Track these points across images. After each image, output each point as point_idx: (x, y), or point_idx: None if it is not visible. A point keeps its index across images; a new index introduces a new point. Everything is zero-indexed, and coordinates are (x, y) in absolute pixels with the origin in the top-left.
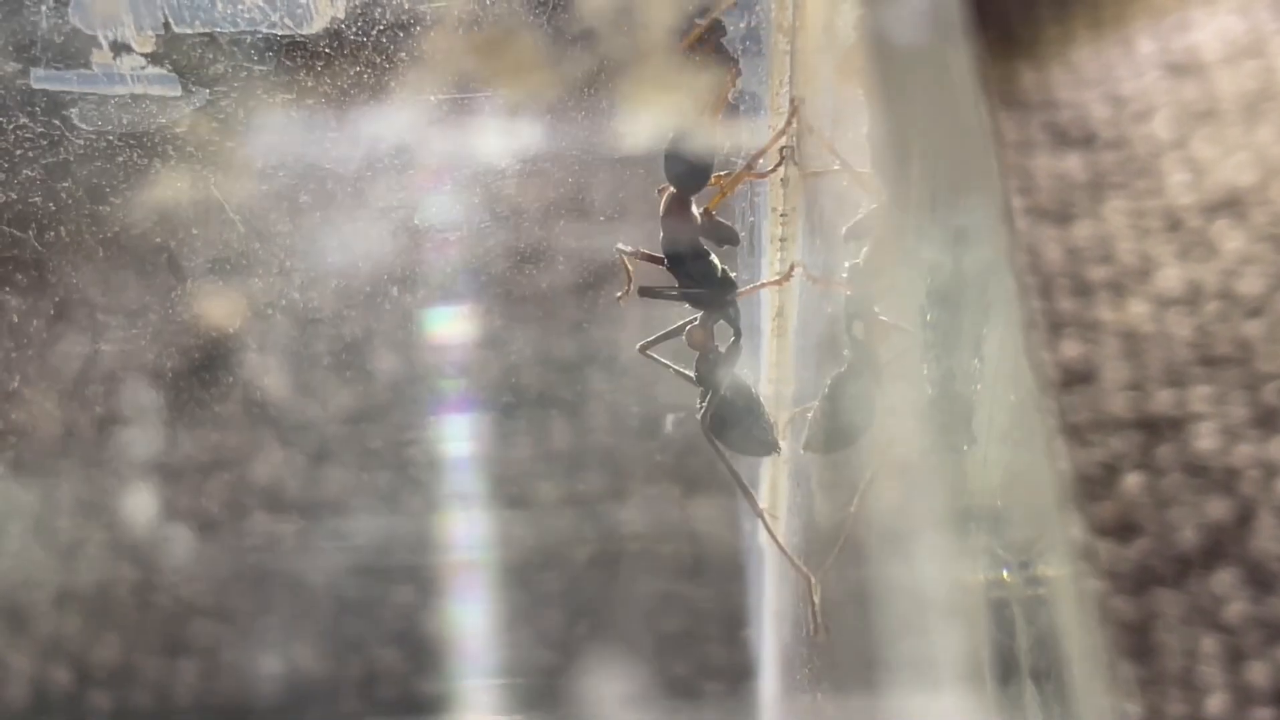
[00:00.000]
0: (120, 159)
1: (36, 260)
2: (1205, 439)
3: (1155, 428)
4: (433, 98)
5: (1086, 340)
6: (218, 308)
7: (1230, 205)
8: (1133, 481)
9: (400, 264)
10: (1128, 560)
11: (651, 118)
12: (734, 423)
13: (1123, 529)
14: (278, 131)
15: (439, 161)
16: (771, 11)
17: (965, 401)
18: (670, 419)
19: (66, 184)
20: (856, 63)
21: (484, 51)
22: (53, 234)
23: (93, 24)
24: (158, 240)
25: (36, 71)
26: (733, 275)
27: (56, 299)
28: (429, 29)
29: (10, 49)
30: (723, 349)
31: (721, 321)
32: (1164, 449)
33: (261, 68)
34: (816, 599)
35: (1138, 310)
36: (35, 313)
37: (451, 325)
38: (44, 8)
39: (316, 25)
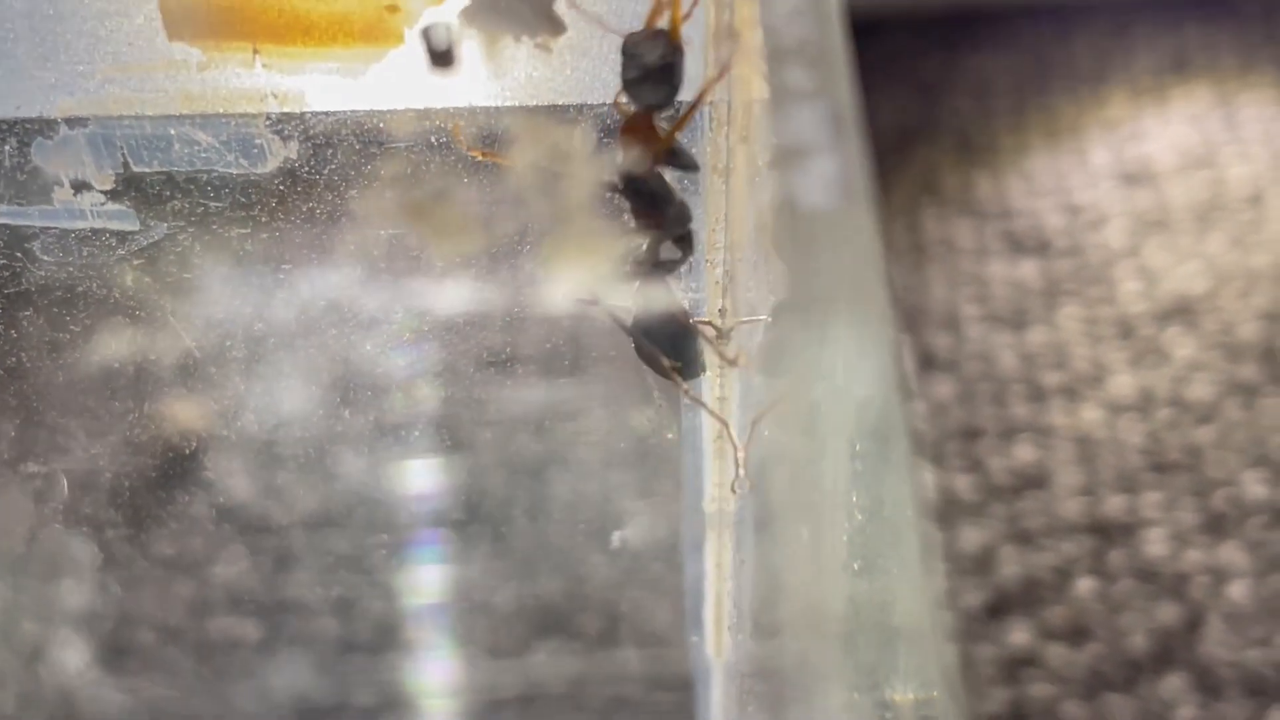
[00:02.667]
0: (80, 288)
1: None
2: (1156, 544)
3: (1107, 533)
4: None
5: (1040, 445)
6: (179, 418)
7: (1181, 313)
8: (1085, 586)
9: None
10: (1079, 665)
11: (574, 277)
12: (667, 343)
13: (1074, 633)
14: (231, 263)
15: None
16: (707, 152)
17: (894, 526)
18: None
19: (28, 312)
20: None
21: (414, 211)
22: (14, 359)
23: (54, 164)
24: (116, 365)
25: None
26: (688, 209)
27: (18, 421)
28: (375, 175)
29: None
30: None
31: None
32: (1115, 554)
33: (217, 204)
34: (741, 454)
35: (1091, 416)
36: None
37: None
38: (6, 148)
39: (270, 165)
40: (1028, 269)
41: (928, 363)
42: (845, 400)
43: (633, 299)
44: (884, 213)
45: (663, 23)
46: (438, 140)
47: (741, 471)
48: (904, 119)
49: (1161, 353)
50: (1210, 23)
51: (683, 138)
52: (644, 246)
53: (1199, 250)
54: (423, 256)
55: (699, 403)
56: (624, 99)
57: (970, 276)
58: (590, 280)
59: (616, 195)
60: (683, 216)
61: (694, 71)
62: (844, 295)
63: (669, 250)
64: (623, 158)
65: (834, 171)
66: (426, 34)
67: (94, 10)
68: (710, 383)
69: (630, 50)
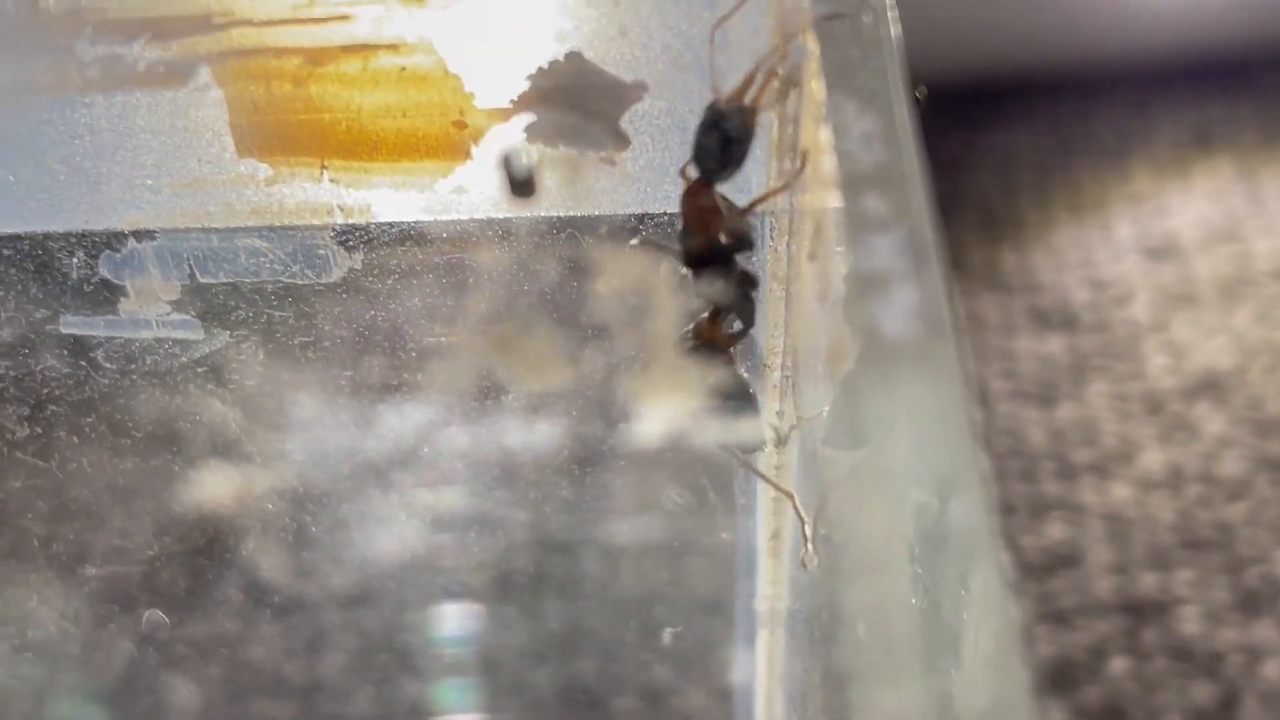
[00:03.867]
0: (143, 395)
1: (57, 488)
2: (1189, 623)
3: (1140, 611)
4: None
5: (1071, 523)
6: (218, 495)
7: (1210, 388)
8: (1119, 666)
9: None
10: None
11: (661, 414)
12: (728, 411)
13: (1110, 714)
14: (293, 370)
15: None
16: (768, 261)
17: (952, 630)
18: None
19: (90, 419)
20: (845, 350)
21: (500, 346)
22: (74, 465)
23: (121, 276)
24: (177, 469)
25: (66, 318)
26: (752, 272)
27: (78, 524)
28: (440, 286)
29: (41, 297)
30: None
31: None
32: (1149, 633)
33: (281, 313)
34: (808, 529)
35: (1121, 493)
36: (55, 537)
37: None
38: (75, 260)
39: (335, 274)
40: (1055, 344)
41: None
42: (904, 504)
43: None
44: None
45: (747, 99)
46: (505, 253)
47: (810, 547)
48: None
49: (1191, 429)
50: (1231, 97)
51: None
52: (705, 317)
53: (1226, 325)
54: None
55: (763, 476)
56: (691, 167)
57: (998, 352)
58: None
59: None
60: (746, 282)
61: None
62: (924, 422)
63: (730, 323)
64: (684, 224)
65: (915, 301)
66: (506, 162)
67: (163, 126)
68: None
69: (714, 118)
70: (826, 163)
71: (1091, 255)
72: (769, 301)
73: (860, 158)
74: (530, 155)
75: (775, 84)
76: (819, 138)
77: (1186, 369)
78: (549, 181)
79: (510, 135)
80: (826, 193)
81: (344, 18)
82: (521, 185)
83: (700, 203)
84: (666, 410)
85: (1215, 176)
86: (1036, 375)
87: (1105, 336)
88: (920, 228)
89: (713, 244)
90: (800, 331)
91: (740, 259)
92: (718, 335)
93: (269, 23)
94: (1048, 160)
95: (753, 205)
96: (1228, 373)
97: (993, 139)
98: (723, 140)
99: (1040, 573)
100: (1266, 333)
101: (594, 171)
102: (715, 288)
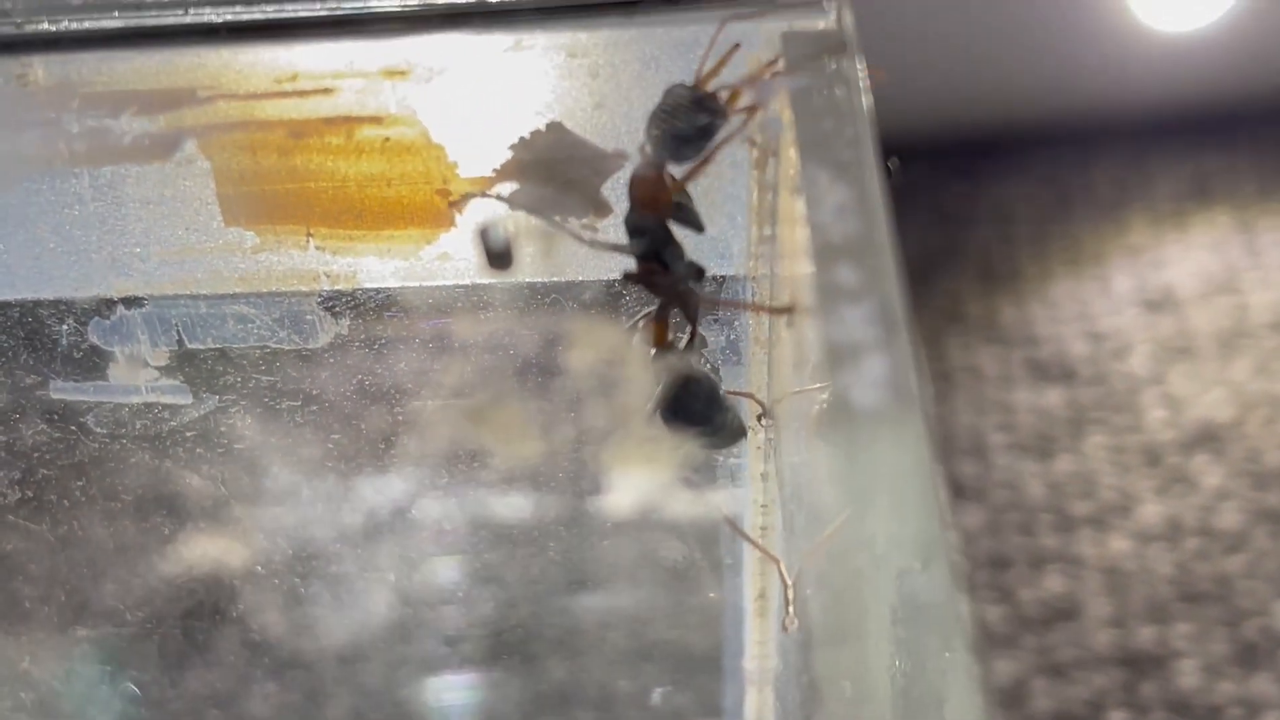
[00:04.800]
0: (132, 460)
1: (49, 551)
2: (1188, 676)
3: (1139, 664)
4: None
5: (1070, 575)
6: (207, 557)
7: (1208, 441)
8: (1117, 719)
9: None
10: None
11: (637, 481)
12: (696, 414)
13: None
14: (279, 433)
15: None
16: (750, 327)
17: (936, 691)
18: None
19: (80, 483)
20: (821, 421)
21: (476, 416)
22: (65, 529)
23: (110, 342)
24: (166, 531)
25: (56, 383)
26: (700, 264)
27: (69, 586)
28: (425, 350)
29: (31, 363)
30: (680, 343)
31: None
32: (1147, 686)
33: (268, 378)
34: (790, 584)
35: (1119, 546)
36: (47, 599)
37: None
38: (64, 327)
39: (321, 340)
40: (1053, 396)
41: (955, 491)
42: (886, 569)
43: (656, 372)
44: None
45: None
46: (486, 320)
47: (791, 609)
48: (927, 247)
49: (1189, 481)
50: (1228, 149)
51: (726, 313)
52: (652, 319)
53: (1224, 377)
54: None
55: (748, 539)
56: (648, 147)
57: (996, 404)
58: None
59: (630, 286)
60: (693, 270)
61: (737, 243)
62: (891, 489)
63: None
64: (632, 206)
65: (885, 371)
66: (483, 235)
67: (151, 196)
68: (752, 516)
69: (677, 105)
70: (801, 232)
71: (1089, 307)
72: (752, 365)
73: (833, 229)
74: (506, 228)
75: (745, 104)
76: (794, 208)
77: (1185, 421)
78: (527, 252)
79: (491, 205)
80: (802, 261)
81: (327, 90)
82: (499, 258)
83: (653, 183)
84: (642, 477)
85: (1213, 229)
86: (1035, 427)
87: (1103, 389)
88: (890, 298)
89: (662, 220)
90: (781, 395)
91: (723, 358)
92: (665, 334)
93: (253, 96)
94: (1045, 213)
95: (688, 177)
96: (1226, 425)
97: (991, 192)
98: (686, 130)
99: (1038, 626)
100: (1265, 385)
101: (573, 240)
102: (663, 269)
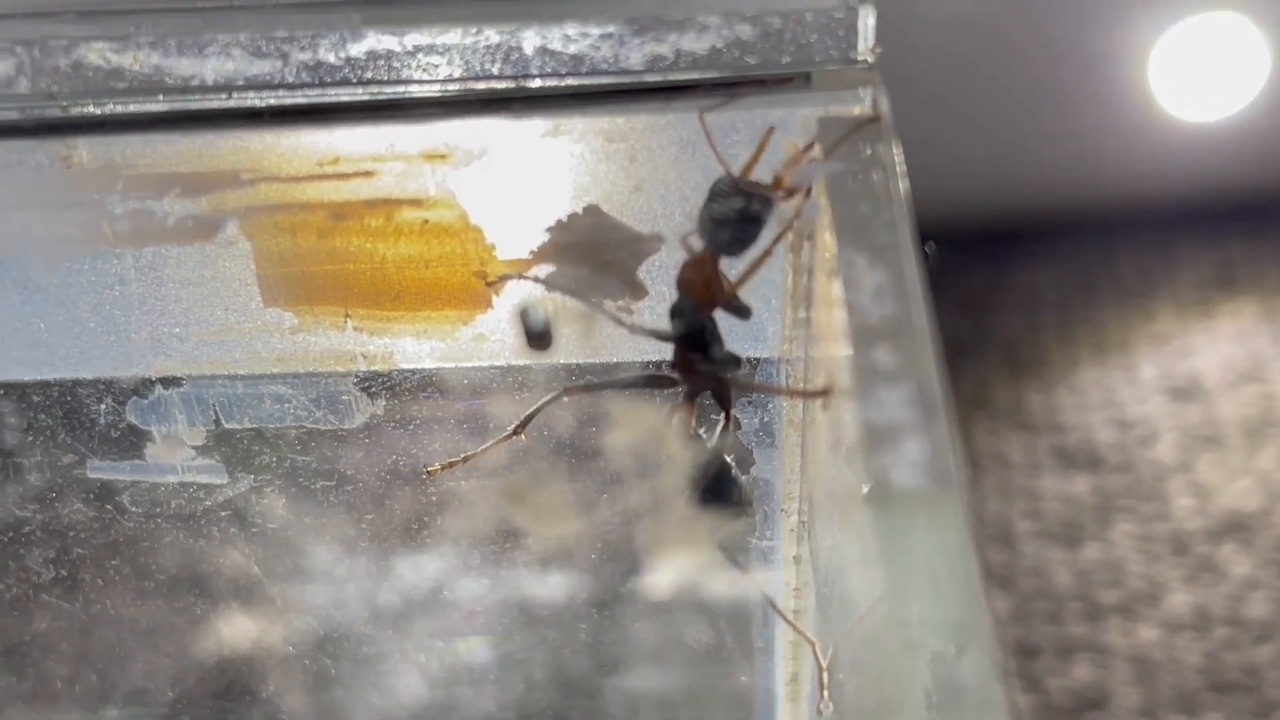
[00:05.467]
0: (167, 539)
1: (82, 629)
2: None
3: None
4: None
5: (1098, 665)
6: (240, 638)
7: (1236, 529)
8: None
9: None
10: None
11: (673, 563)
12: (726, 496)
13: None
14: (313, 513)
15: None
16: (784, 409)
17: None
18: None
19: (114, 561)
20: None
21: (513, 496)
22: (99, 607)
23: (148, 421)
24: (199, 610)
25: (93, 462)
26: (736, 354)
27: (100, 664)
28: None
29: (69, 442)
30: (704, 431)
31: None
32: None
33: (304, 457)
34: (825, 667)
35: (1148, 635)
36: (78, 678)
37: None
38: (102, 406)
39: (357, 420)
40: (1081, 484)
41: (982, 580)
42: (921, 653)
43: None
44: None
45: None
46: (524, 400)
47: (826, 693)
48: (954, 334)
49: (1217, 570)
50: (1254, 237)
51: (760, 396)
52: (683, 400)
53: (1251, 466)
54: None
55: (786, 619)
56: (693, 237)
57: (1023, 491)
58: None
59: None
60: (730, 359)
61: (772, 326)
62: (929, 572)
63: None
64: (681, 297)
65: (924, 453)
66: (523, 316)
67: (191, 276)
68: (785, 599)
69: (726, 191)
70: (838, 315)
71: (1116, 395)
72: (785, 448)
73: (870, 311)
74: (546, 309)
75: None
76: (831, 290)
77: (1212, 510)
78: (565, 333)
79: (529, 287)
80: (838, 343)
81: (368, 174)
82: (538, 338)
83: (704, 273)
84: (678, 560)
85: (1239, 317)
86: (1062, 515)
87: (1130, 477)
88: (929, 381)
89: (713, 310)
90: (815, 478)
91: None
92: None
93: (295, 178)
94: (1072, 300)
95: (749, 273)
96: (1253, 514)
97: (1018, 279)
98: (735, 216)
99: (1067, 715)
100: None
101: (610, 321)
102: (703, 357)
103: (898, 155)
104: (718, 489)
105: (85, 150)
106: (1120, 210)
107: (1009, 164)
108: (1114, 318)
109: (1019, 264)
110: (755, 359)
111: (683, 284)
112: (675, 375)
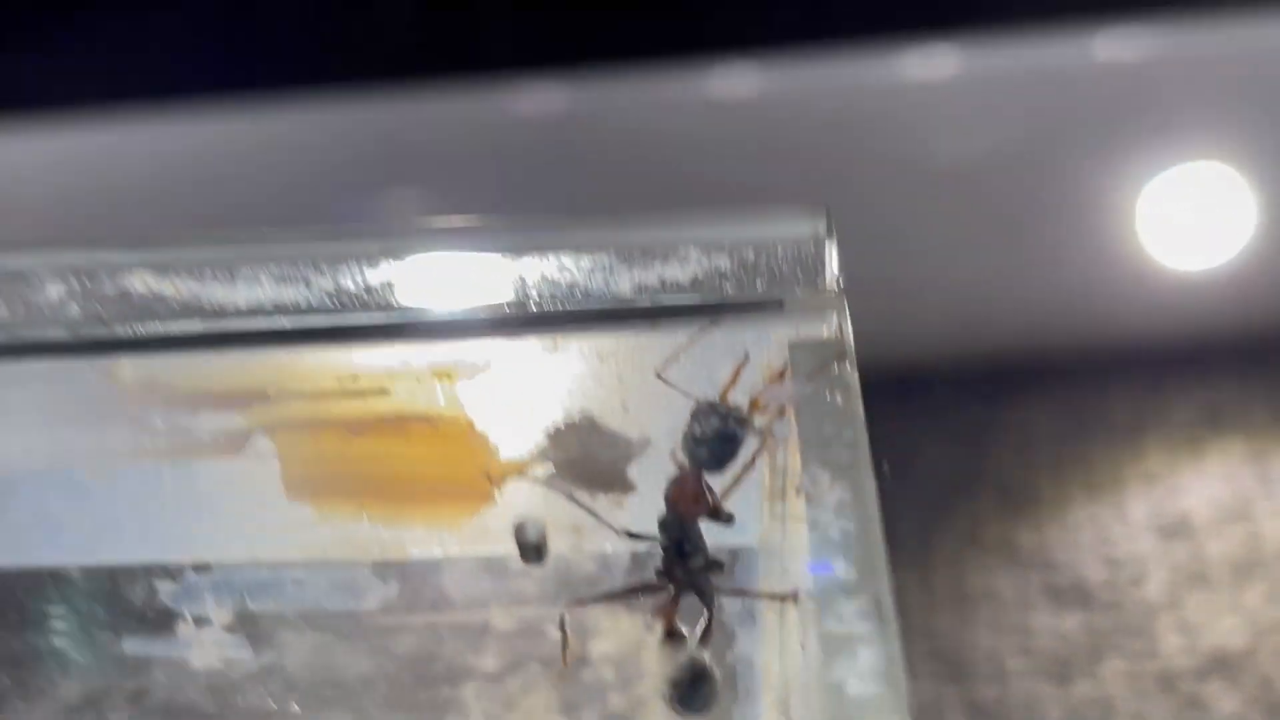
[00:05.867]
0: (197, 710)
1: None
2: None
3: None
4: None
5: None
6: None
7: (1222, 668)
8: None
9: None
10: None
11: None
12: (704, 703)
13: None
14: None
15: None
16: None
17: None
18: None
19: None
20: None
21: (504, 703)
22: None
23: (179, 604)
24: None
25: (129, 640)
26: (719, 559)
27: None
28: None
29: (107, 620)
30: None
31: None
32: None
33: (322, 636)
34: None
35: None
36: None
37: None
38: (138, 589)
39: (371, 603)
40: (1071, 621)
41: (974, 715)
42: None
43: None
44: (927, 562)
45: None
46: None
47: None
48: (946, 470)
49: (1204, 707)
50: (1243, 377)
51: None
52: (668, 601)
53: (1238, 605)
54: None
55: None
56: (681, 456)
57: (1014, 627)
58: None
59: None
60: (712, 565)
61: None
62: None
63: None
64: (669, 510)
65: (876, 661)
66: (518, 531)
67: (219, 478)
68: None
69: (706, 412)
70: (800, 530)
71: (1106, 533)
72: (765, 630)
73: (831, 526)
74: (539, 525)
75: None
76: (797, 507)
77: (1200, 648)
78: (558, 546)
79: (528, 491)
80: (801, 554)
81: (384, 391)
82: (534, 551)
83: (688, 489)
84: None
85: (1227, 457)
86: (1053, 651)
87: (1120, 614)
88: (883, 595)
89: (697, 521)
90: (790, 657)
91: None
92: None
93: (318, 395)
94: (1064, 437)
95: (726, 493)
96: (1240, 653)
97: (1010, 415)
98: (719, 435)
99: None
100: (1278, 613)
101: (602, 529)
102: (685, 572)
103: (853, 375)
104: (693, 695)
105: (129, 368)
106: (1112, 352)
107: (1004, 305)
108: (1105, 456)
109: (1012, 401)
110: (735, 549)
111: (669, 499)
112: (662, 582)
